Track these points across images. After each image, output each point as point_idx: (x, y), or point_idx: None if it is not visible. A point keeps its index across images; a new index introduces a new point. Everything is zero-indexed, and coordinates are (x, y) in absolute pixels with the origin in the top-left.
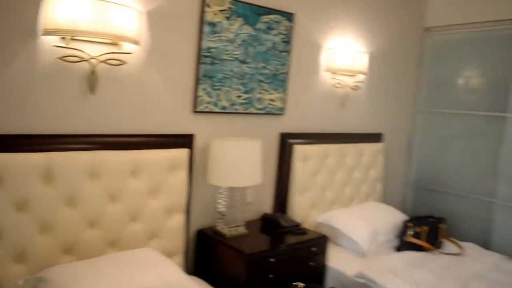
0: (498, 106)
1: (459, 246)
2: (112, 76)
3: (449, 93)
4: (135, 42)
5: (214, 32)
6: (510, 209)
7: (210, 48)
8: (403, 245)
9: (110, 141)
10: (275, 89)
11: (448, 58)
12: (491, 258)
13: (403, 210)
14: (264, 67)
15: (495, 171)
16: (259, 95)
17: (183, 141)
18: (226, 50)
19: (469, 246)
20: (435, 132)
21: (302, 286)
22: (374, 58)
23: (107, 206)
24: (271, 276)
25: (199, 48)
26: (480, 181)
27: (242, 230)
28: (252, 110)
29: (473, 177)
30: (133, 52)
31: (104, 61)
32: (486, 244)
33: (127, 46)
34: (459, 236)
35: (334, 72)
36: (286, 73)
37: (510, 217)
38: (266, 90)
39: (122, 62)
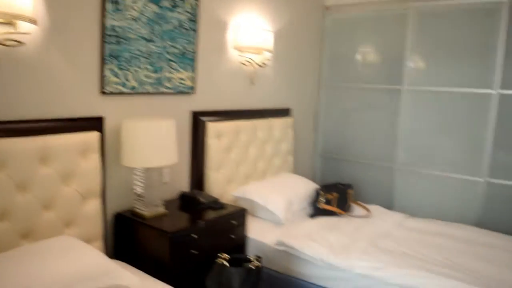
0: (394, 80)
1: (367, 209)
2: (10, 58)
3: (350, 68)
4: (32, 21)
5: (117, 10)
6: (407, 173)
7: (114, 26)
8: (317, 212)
9: (13, 128)
10: (184, 68)
11: (348, 35)
12: (395, 217)
13: (314, 179)
14: (172, 46)
15: (394, 139)
16: (168, 74)
17: (93, 124)
18: (132, 29)
19: (375, 208)
20: (339, 105)
21: (227, 257)
22: (279, 36)
23: (16, 196)
24: (194, 252)
25: (103, 27)
26: (381, 149)
27: (161, 210)
28: (162, 89)
29: (374, 145)
30: (31, 32)
31: None
32: (389, 205)
33: (24, 26)
34: (365, 199)
35: (241, 50)
36: (194, 51)
37: (408, 179)
38: (175, 69)
39: (20, 43)
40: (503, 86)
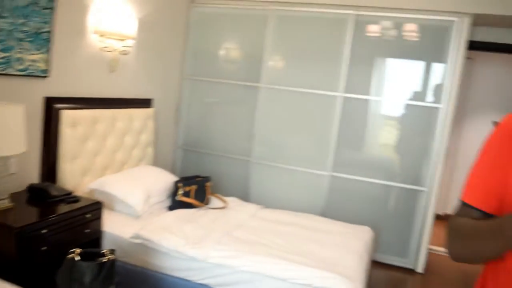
0: (253, 77)
1: (224, 201)
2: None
3: (213, 63)
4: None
5: None
6: (262, 166)
7: None
8: (175, 204)
9: None
10: (38, 49)
11: (212, 30)
12: (250, 208)
13: (174, 172)
14: (23, 24)
15: (251, 134)
16: (19, 55)
17: None
18: None
19: (232, 200)
20: (201, 99)
21: (79, 251)
22: (143, 24)
23: None
24: (44, 248)
25: None
26: (239, 142)
27: (7, 203)
28: (11, 71)
29: (233, 139)
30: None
31: None
32: (246, 197)
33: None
34: (224, 192)
35: (102, 35)
36: (50, 32)
37: (262, 173)
38: (27, 49)
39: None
40: (346, 90)
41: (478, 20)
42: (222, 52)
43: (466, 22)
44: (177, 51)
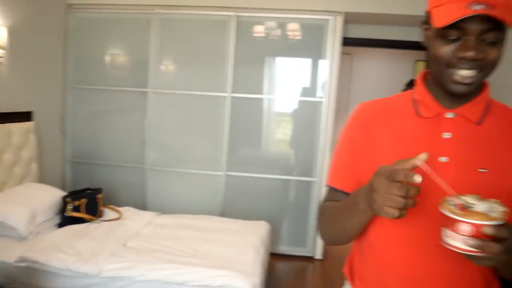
0: (140, 82)
1: (118, 212)
2: None
3: (98, 70)
4: None
5: None
6: (157, 172)
7: None
8: (65, 221)
9: None
10: None
11: (94, 36)
12: (146, 216)
13: (64, 187)
14: None
15: (143, 140)
16: None
17: None
18: None
19: (127, 210)
20: (88, 108)
21: None
22: (14, 32)
23: None
24: None
25: None
26: (132, 150)
27: None
28: None
29: (125, 147)
30: None
31: None
32: (143, 205)
33: None
34: (120, 202)
35: None
36: None
37: (158, 179)
38: None
39: None
40: (235, 90)
41: (351, 18)
42: (107, 59)
43: (339, 20)
44: (57, 59)
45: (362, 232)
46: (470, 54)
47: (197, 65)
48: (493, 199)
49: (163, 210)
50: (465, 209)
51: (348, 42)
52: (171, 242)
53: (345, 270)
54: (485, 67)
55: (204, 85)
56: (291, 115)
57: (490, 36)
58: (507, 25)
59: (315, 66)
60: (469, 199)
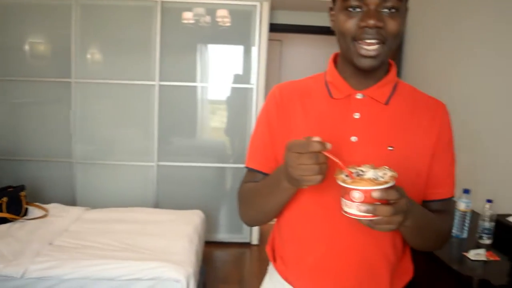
0: (63, 72)
1: (44, 209)
2: None
3: (17, 60)
4: None
5: None
6: (87, 166)
7: None
8: None
9: None
10: None
11: (11, 23)
12: (74, 212)
13: None
14: None
15: (69, 133)
16: None
17: None
18: None
19: (54, 207)
20: (7, 101)
21: None
22: None
23: None
24: None
25: None
26: (58, 144)
27: None
28: None
29: (51, 141)
30: None
31: None
32: (72, 201)
33: None
34: (47, 199)
35: None
36: None
37: (89, 173)
38: None
39: None
40: (161, 78)
41: (278, 4)
42: (26, 48)
43: (265, 6)
44: None
45: (280, 212)
46: (370, 22)
47: (123, 53)
48: (385, 166)
49: (94, 205)
50: (355, 177)
51: (276, 28)
52: (101, 237)
53: (268, 250)
54: (388, 38)
55: (131, 74)
56: (224, 103)
57: (389, 5)
58: None
59: (246, 52)
60: (361, 169)
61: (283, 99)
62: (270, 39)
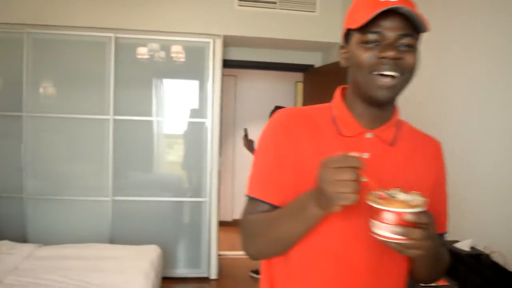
0: (14, 106)
1: None
2: None
3: None
4: None
5: None
6: (38, 201)
7: None
8: None
9: None
10: None
11: None
12: (26, 249)
13: None
14: None
15: (20, 168)
16: None
17: None
18: None
19: (3, 244)
20: None
21: None
22: None
23: None
24: None
25: None
26: (7, 179)
27: None
28: None
29: (0, 176)
30: None
31: None
32: (23, 238)
33: None
34: None
35: None
36: None
37: (41, 208)
38: None
39: None
40: (116, 113)
41: (231, 41)
42: None
43: (218, 43)
44: None
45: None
46: (390, 53)
47: (76, 87)
48: (414, 191)
49: (46, 241)
50: (388, 198)
51: (229, 64)
52: (54, 275)
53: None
54: (405, 70)
55: (85, 108)
56: (179, 137)
57: (406, 41)
58: (420, 27)
59: (201, 87)
60: (391, 192)
61: (291, 124)
62: (224, 74)
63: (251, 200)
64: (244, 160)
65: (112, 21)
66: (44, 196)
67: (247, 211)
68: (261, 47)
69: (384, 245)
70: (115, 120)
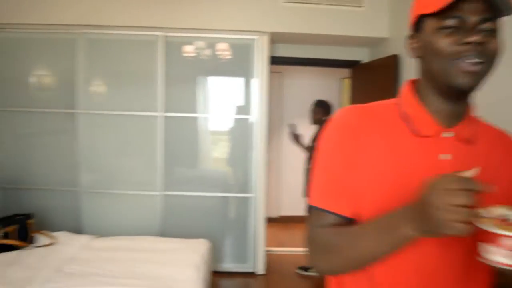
0: (68, 104)
1: (51, 237)
2: None
3: (23, 91)
4: None
5: None
6: (92, 195)
7: None
8: None
9: None
10: None
11: (18, 56)
12: (82, 240)
13: None
14: None
15: (75, 163)
16: None
17: None
18: None
19: (61, 235)
20: (13, 131)
21: None
22: None
23: None
24: None
25: None
26: (63, 173)
27: None
28: None
29: (56, 171)
30: None
31: None
32: (78, 229)
33: None
34: (53, 227)
35: None
36: None
37: (94, 201)
38: None
39: None
40: (167, 110)
41: (277, 38)
42: (31, 80)
43: (265, 39)
44: None
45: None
46: (475, 38)
47: (127, 85)
48: None
49: (100, 233)
50: (504, 221)
51: (276, 61)
52: (109, 265)
53: None
54: (489, 57)
55: (135, 105)
56: (226, 133)
57: (488, 25)
58: (503, 9)
59: (247, 84)
60: (501, 211)
61: (358, 126)
62: (270, 71)
63: (317, 210)
64: (290, 158)
65: (161, 20)
66: (97, 189)
67: (313, 223)
68: (307, 43)
69: (469, 269)
70: (165, 117)
